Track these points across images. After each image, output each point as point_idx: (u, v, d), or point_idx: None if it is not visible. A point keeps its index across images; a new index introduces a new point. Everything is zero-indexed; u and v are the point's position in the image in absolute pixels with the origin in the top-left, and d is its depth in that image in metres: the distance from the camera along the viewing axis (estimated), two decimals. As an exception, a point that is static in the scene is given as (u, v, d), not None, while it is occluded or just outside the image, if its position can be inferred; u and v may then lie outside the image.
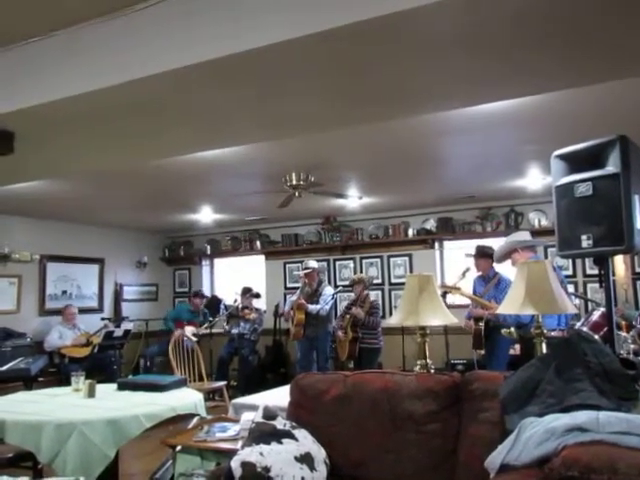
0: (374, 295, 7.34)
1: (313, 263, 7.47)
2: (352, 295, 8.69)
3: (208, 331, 8.00)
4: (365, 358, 6.51)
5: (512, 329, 4.12)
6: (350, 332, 6.59)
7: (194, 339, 7.03)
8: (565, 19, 2.33)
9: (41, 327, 8.08)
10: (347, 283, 8.77)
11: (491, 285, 5.47)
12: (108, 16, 2.70)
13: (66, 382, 4.53)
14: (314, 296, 7.17)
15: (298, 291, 7.44)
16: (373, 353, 6.66)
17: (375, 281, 8.43)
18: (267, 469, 2.29)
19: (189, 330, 7.93)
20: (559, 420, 1.94)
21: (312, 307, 6.99)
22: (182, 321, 8.55)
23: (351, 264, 8.93)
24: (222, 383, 6.82)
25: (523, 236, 5.05)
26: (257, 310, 8.29)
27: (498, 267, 5.66)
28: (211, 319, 8.37)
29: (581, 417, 1.90)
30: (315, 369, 6.85)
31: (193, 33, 2.56)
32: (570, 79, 3.08)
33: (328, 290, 7.34)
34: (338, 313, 8.57)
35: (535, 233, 7.19)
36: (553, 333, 3.96)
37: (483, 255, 5.64)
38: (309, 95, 3.13)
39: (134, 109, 3.20)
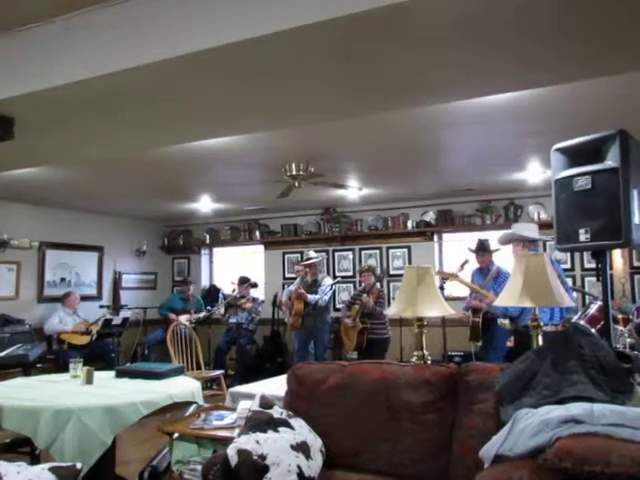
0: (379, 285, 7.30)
1: (313, 254, 7.48)
2: (351, 285, 8.78)
3: (201, 316, 8.15)
4: (376, 348, 6.45)
5: (506, 320, 4.14)
6: (359, 323, 6.52)
7: (188, 324, 7.10)
8: (567, 12, 2.32)
9: (40, 314, 8.10)
10: (349, 273, 8.81)
11: (490, 277, 5.48)
12: (109, 2, 2.69)
13: (64, 369, 4.53)
14: (313, 286, 7.18)
15: (297, 280, 7.45)
16: (383, 343, 6.60)
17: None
18: (263, 457, 2.30)
19: (183, 318, 8.05)
20: (554, 412, 1.95)
21: (311, 297, 7.00)
22: (176, 310, 8.65)
23: (350, 255, 8.93)
24: (219, 372, 6.85)
25: (530, 229, 5.03)
26: (254, 300, 8.31)
27: (497, 260, 5.68)
28: (209, 307, 8.40)
29: (576, 409, 1.91)
30: (313, 359, 6.86)
31: (195, 21, 2.55)
32: (571, 73, 3.07)
33: (327, 280, 7.35)
34: (337, 304, 8.63)
35: (534, 226, 7.20)
36: (546, 328, 3.97)
37: (486, 249, 5.66)
38: (312, 85, 3.12)
39: (134, 97, 3.20)
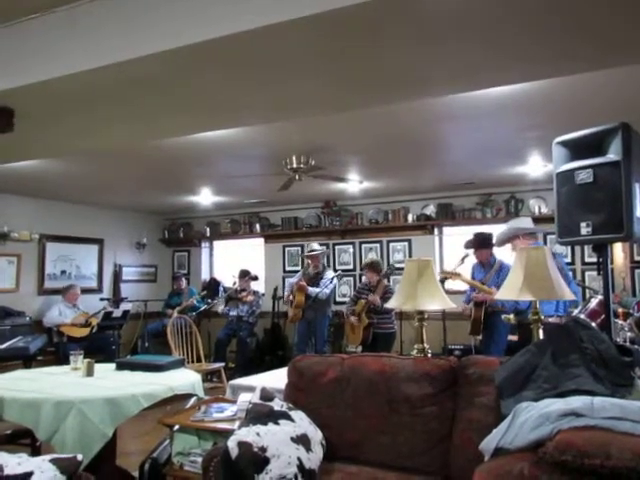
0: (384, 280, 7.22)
1: (316, 246, 7.47)
2: (351, 279, 8.78)
3: (190, 304, 8.35)
4: (381, 343, 6.36)
5: (511, 315, 4.14)
6: (365, 318, 6.43)
7: (176, 314, 7.15)
8: (561, 5, 2.31)
9: (40, 306, 8.11)
10: (349, 267, 8.81)
11: (493, 272, 5.46)
12: (109, -7, 2.68)
13: (65, 361, 4.54)
14: (315, 279, 7.16)
15: (299, 273, 7.44)
16: (388, 338, 6.53)
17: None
18: (263, 449, 2.31)
19: (175, 311, 8.11)
20: (554, 405, 1.95)
21: (311, 290, 6.99)
22: (173, 305, 8.74)
23: (350, 249, 8.93)
24: (220, 364, 6.87)
25: (525, 222, 5.03)
26: (255, 292, 8.32)
27: (499, 253, 5.66)
28: (209, 300, 8.42)
29: (576, 402, 1.91)
30: (313, 352, 6.85)
31: (193, 14, 2.54)
32: (566, 66, 3.07)
33: (329, 274, 7.33)
34: (337, 297, 8.62)
35: (535, 220, 7.17)
36: (551, 319, 3.98)
37: (483, 245, 5.61)
38: (310, 78, 3.11)
39: (135, 88, 3.18)
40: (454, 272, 5.53)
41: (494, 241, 5.27)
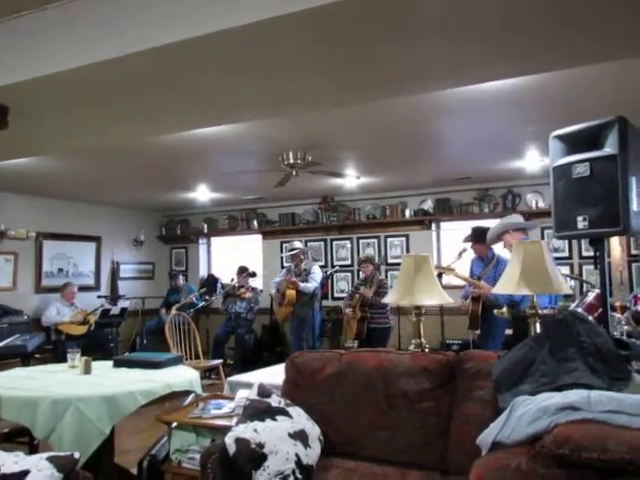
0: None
1: (298, 244, 7.46)
2: (349, 275, 8.78)
3: (191, 299, 8.32)
4: (376, 338, 6.41)
5: (504, 309, 4.14)
6: (358, 312, 6.51)
7: (174, 311, 7.14)
8: (554, 3, 2.31)
9: (38, 304, 8.10)
10: (347, 262, 8.82)
11: (491, 266, 5.47)
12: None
13: (63, 359, 4.53)
14: (300, 275, 7.14)
15: (283, 271, 7.42)
16: (384, 332, 6.57)
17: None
18: (261, 445, 2.31)
19: (173, 308, 8.10)
20: (551, 399, 1.95)
21: (303, 285, 6.95)
22: (172, 303, 8.70)
23: (348, 244, 8.93)
24: (218, 361, 6.86)
25: (515, 219, 5.06)
26: (253, 289, 8.31)
27: (497, 247, 5.65)
28: (207, 297, 8.40)
29: (573, 396, 1.91)
30: (308, 347, 6.84)
31: (190, 8, 2.52)
32: (557, 61, 3.06)
33: (317, 269, 7.31)
34: (335, 292, 8.63)
35: (532, 214, 7.22)
36: (545, 311, 3.97)
37: (480, 239, 5.60)
38: (305, 74, 3.10)
39: (129, 85, 3.17)
40: (448, 267, 5.56)
41: (486, 239, 5.26)
